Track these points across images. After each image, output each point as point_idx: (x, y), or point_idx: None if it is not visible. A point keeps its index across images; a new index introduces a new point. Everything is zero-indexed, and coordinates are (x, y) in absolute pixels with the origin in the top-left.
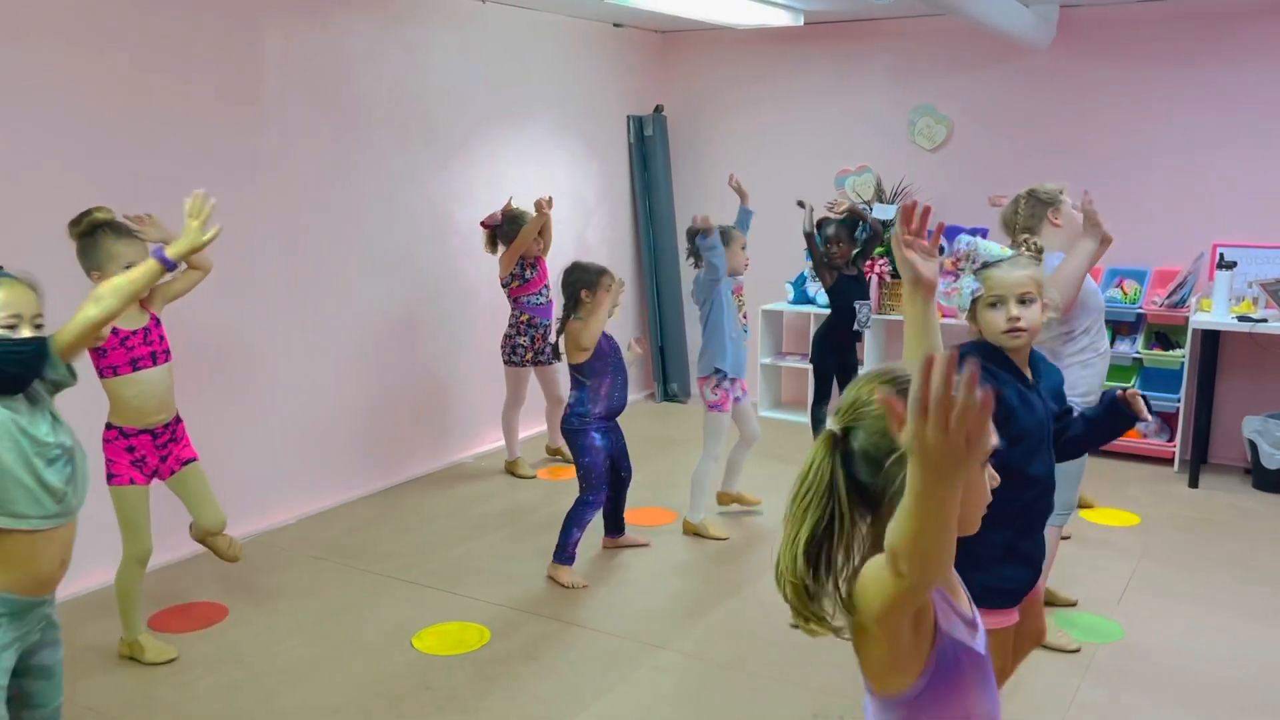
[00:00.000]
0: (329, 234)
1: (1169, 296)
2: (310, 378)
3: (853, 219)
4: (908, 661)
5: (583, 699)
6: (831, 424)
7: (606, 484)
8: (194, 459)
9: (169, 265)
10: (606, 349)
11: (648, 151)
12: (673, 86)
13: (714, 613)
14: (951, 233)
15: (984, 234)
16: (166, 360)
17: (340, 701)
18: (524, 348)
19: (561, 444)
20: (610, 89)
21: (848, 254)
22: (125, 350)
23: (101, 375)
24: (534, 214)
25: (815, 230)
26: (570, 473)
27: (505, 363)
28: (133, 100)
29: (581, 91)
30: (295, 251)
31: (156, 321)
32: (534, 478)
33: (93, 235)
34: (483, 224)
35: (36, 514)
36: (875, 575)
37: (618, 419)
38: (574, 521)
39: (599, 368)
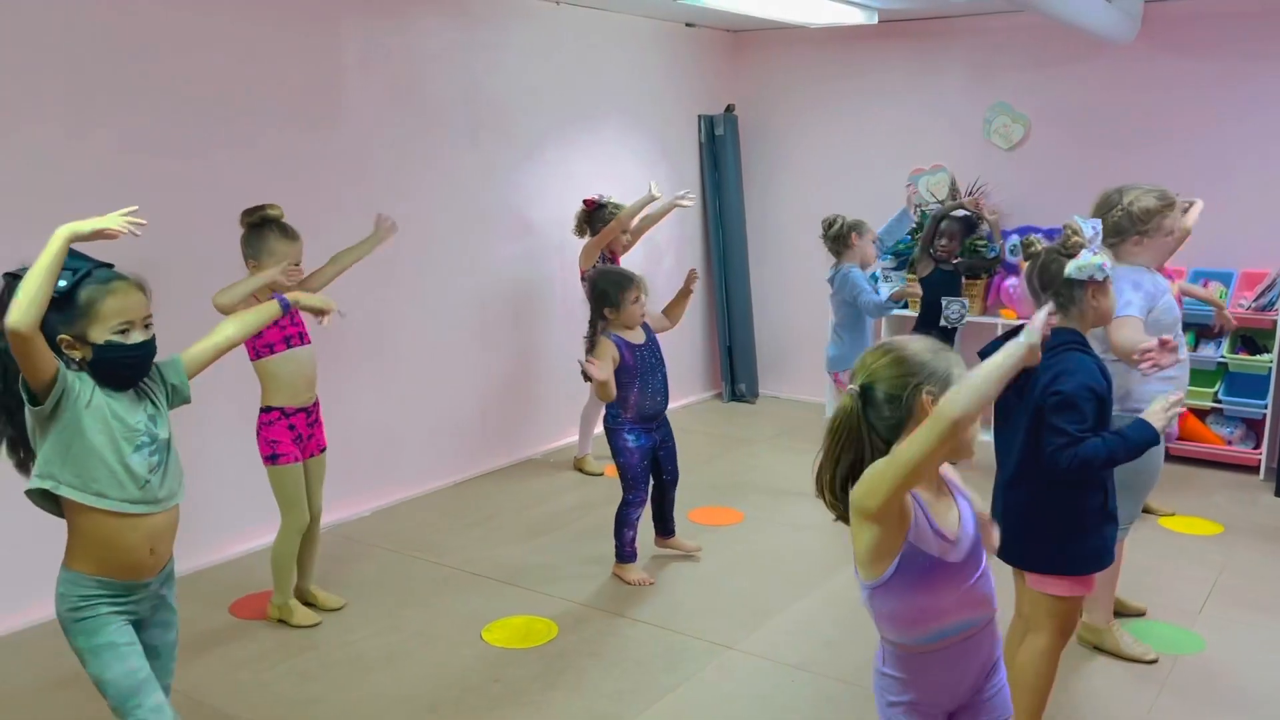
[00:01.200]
0: (401, 235)
1: (1256, 299)
2: (382, 376)
3: (969, 220)
4: (885, 552)
5: (648, 696)
6: (853, 385)
7: (645, 483)
8: (325, 449)
9: (284, 308)
10: (630, 360)
11: (718, 151)
12: (744, 86)
13: (782, 613)
14: (1027, 233)
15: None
16: (308, 343)
17: (411, 692)
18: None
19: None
20: (681, 89)
21: (954, 251)
22: (279, 328)
23: (258, 356)
24: (623, 208)
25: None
26: None
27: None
28: (224, 100)
29: (653, 91)
30: (379, 254)
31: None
32: (601, 475)
33: (260, 229)
34: (585, 200)
35: (118, 496)
36: (880, 472)
37: (664, 419)
38: (622, 521)
39: (623, 380)
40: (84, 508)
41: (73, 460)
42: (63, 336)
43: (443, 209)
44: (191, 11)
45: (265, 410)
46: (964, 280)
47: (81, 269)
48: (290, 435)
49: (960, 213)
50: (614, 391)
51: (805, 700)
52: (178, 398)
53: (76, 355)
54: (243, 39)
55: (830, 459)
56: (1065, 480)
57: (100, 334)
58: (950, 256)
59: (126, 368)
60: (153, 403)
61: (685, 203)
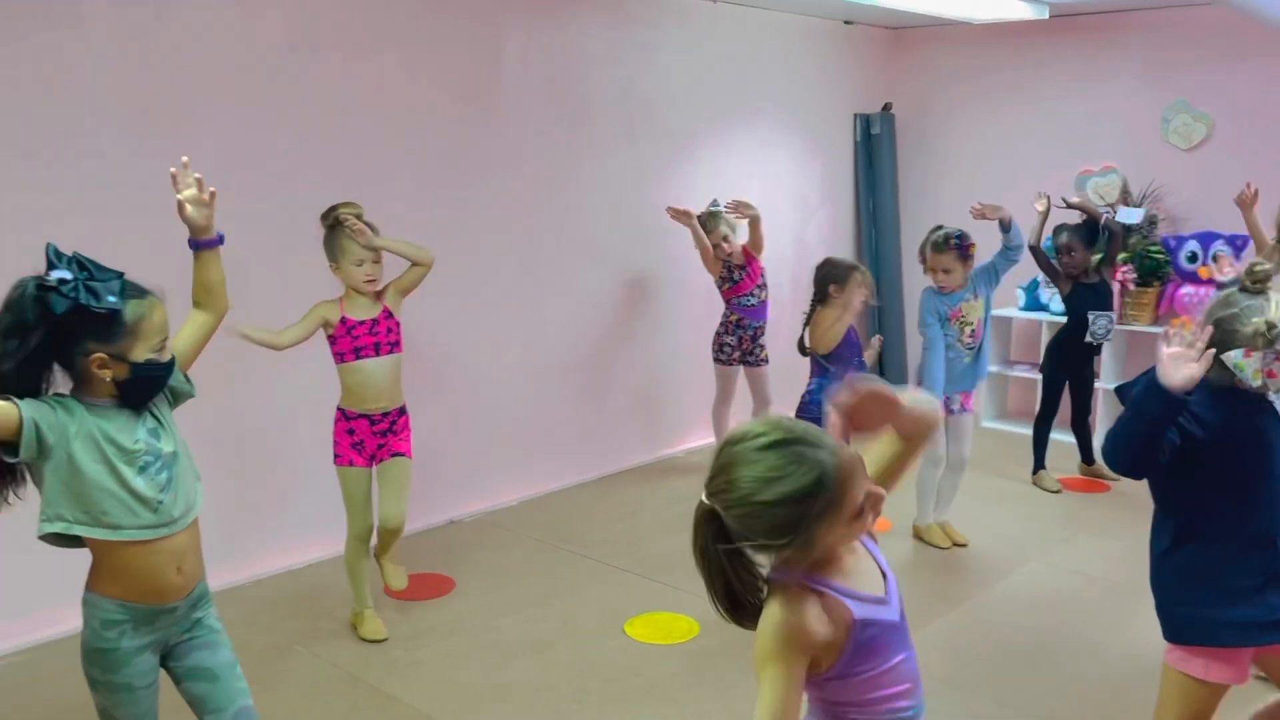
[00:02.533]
0: (555, 230)
1: None
2: (534, 366)
3: (1090, 223)
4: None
5: None
6: (704, 495)
7: None
8: (404, 454)
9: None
10: (853, 338)
11: (873, 150)
12: (902, 84)
13: (929, 625)
14: (1206, 239)
15: (1245, 243)
16: (391, 352)
17: (555, 680)
18: (731, 346)
19: None
20: (837, 87)
21: (1085, 261)
22: (350, 339)
23: (337, 361)
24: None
25: (1038, 242)
26: None
27: (714, 360)
28: (389, 100)
29: (808, 90)
30: (524, 246)
31: (388, 314)
32: None
33: (335, 229)
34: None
35: (132, 524)
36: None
37: None
38: None
39: (845, 355)
40: (101, 542)
41: (75, 497)
42: (97, 356)
43: (595, 206)
44: (359, 9)
45: (337, 409)
46: (1133, 287)
47: (120, 284)
48: (348, 439)
49: (1066, 225)
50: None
51: (952, 717)
52: (181, 398)
53: (108, 375)
54: (406, 36)
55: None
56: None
57: (142, 352)
58: (1083, 268)
59: (157, 385)
60: (154, 416)
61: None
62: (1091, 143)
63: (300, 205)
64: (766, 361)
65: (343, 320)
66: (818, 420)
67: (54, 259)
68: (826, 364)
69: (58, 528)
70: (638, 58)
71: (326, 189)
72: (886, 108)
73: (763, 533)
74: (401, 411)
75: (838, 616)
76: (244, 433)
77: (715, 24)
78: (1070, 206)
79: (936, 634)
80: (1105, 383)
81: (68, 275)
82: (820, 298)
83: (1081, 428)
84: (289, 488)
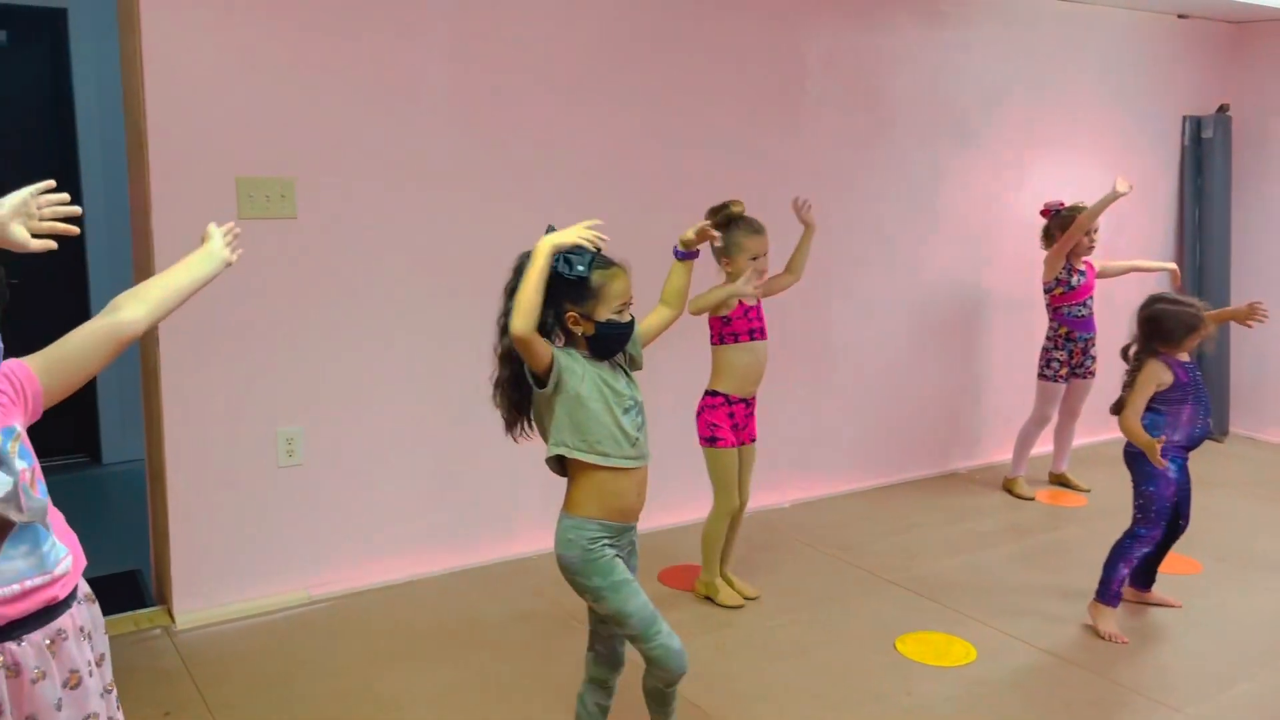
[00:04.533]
0: (849, 234)
1: None
2: (816, 371)
3: None
4: None
5: None
6: None
7: (1166, 520)
8: (755, 439)
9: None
10: (1184, 377)
11: (1204, 155)
12: (1242, 83)
13: (1245, 684)
14: None
15: None
16: (764, 339)
17: (819, 687)
18: (1060, 362)
19: (1067, 471)
20: (1164, 87)
21: None
22: (746, 320)
23: (721, 342)
24: (1082, 209)
25: None
26: (1076, 500)
27: (1039, 376)
28: (690, 102)
29: (1131, 90)
30: (822, 250)
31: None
32: (1033, 499)
33: (727, 226)
34: (1041, 211)
35: (617, 454)
36: None
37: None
38: (1120, 555)
39: (1176, 396)
40: (590, 466)
41: (577, 427)
42: (571, 313)
43: (892, 210)
44: (663, 12)
45: (710, 394)
46: None
47: (590, 257)
48: (729, 422)
49: None
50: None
51: None
52: (633, 366)
53: (579, 330)
54: (709, 38)
55: None
56: None
57: (604, 312)
58: None
59: (619, 341)
60: (624, 371)
61: (1121, 188)
62: None
63: (614, 204)
64: (1093, 375)
65: (740, 303)
66: (1138, 456)
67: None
68: (1159, 405)
69: (561, 451)
70: (945, 58)
71: (633, 188)
72: (1222, 109)
73: None
74: (754, 398)
75: None
76: None
77: (1033, 21)
78: None
79: (1255, 694)
80: None
81: None
82: (1149, 352)
83: None
84: None
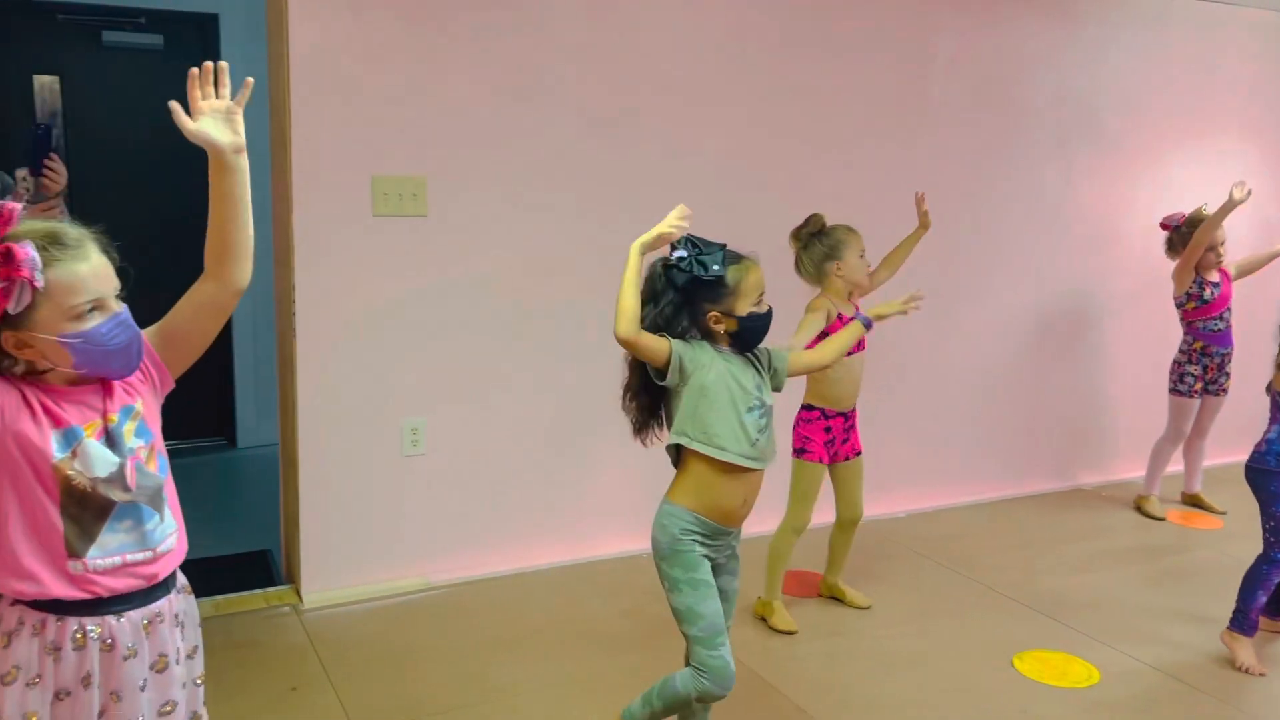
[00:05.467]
0: (971, 239)
1: None
2: (933, 379)
3: None
4: None
5: None
6: None
7: None
8: (860, 453)
9: (866, 326)
10: None
11: None
12: None
13: None
14: None
15: None
16: (861, 351)
17: (933, 701)
18: (1194, 377)
19: (1201, 492)
20: None
21: None
22: None
23: None
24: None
25: None
26: (1211, 523)
27: (1170, 391)
28: (811, 102)
29: (1270, 91)
30: (940, 252)
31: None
32: (1163, 519)
33: (822, 233)
34: (1161, 224)
35: (734, 449)
36: None
37: None
38: (1256, 582)
39: None
40: (703, 457)
41: (698, 418)
42: (712, 313)
43: (1018, 216)
44: (786, 11)
45: (806, 408)
46: None
47: (721, 254)
48: (823, 437)
49: None
50: None
51: None
52: (773, 381)
53: (721, 328)
54: (832, 38)
55: None
56: None
57: (744, 306)
58: None
59: (760, 334)
60: (758, 371)
61: (1239, 195)
62: None
63: (736, 207)
64: (1226, 392)
65: (839, 316)
66: (1271, 476)
67: (676, 243)
68: None
69: (680, 440)
70: (1079, 59)
71: (755, 191)
72: None
73: None
74: (854, 410)
75: None
76: None
77: (1175, 21)
78: None
79: None
80: None
81: (684, 254)
82: None
83: None
84: None
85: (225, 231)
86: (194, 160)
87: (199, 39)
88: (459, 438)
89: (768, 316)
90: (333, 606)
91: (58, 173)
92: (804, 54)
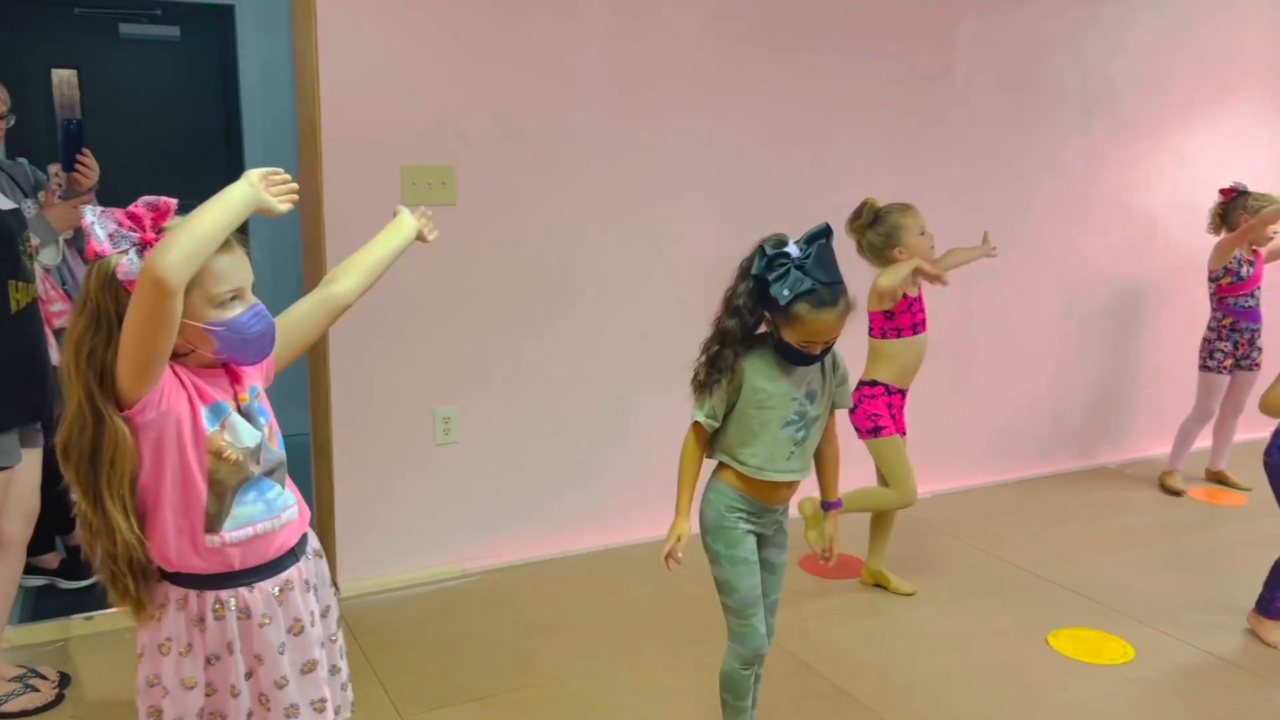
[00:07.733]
0: (998, 221)
1: None
2: (960, 361)
3: None
4: None
5: None
6: None
7: None
8: (905, 433)
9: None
10: None
11: None
12: None
13: None
14: None
15: None
16: (925, 331)
17: (971, 678)
18: (1224, 353)
19: (1226, 469)
20: None
21: None
22: (910, 314)
23: (883, 336)
24: (1268, 199)
25: None
26: (1235, 499)
27: (1200, 368)
28: (833, 90)
29: None
30: (969, 235)
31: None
32: (1183, 494)
33: (877, 220)
34: (1222, 190)
35: (770, 469)
36: None
37: None
38: None
39: None
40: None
41: (735, 432)
42: (768, 316)
43: (1043, 197)
44: None
45: (869, 384)
46: None
47: (806, 286)
48: (889, 411)
49: None
50: None
51: None
52: (839, 400)
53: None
54: (852, 23)
55: None
56: None
57: (791, 337)
58: None
59: (793, 361)
60: (820, 375)
61: None
62: None
63: (762, 193)
64: (1259, 367)
65: (904, 296)
66: None
67: (794, 242)
68: None
69: (718, 457)
70: (1102, 39)
71: (780, 176)
72: None
73: None
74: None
75: None
76: None
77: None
78: None
79: None
80: None
81: (785, 261)
82: None
83: None
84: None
85: (382, 266)
86: (210, 151)
87: (215, 30)
88: (491, 425)
89: (809, 359)
90: (368, 595)
91: (90, 168)
92: (830, 40)
